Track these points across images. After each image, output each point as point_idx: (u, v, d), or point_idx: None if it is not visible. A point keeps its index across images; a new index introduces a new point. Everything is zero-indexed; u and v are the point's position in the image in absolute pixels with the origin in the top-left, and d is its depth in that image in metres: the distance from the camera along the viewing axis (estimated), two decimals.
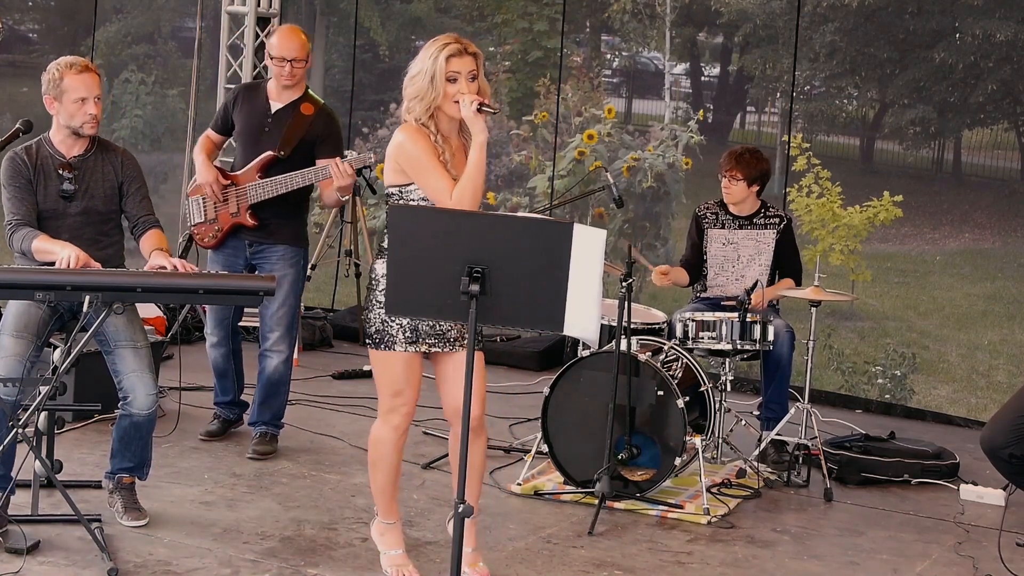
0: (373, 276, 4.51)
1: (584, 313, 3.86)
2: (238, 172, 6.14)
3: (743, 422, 6.46)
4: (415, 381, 4.52)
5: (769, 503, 5.91)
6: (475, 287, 3.83)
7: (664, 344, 6.13)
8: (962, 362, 7.81)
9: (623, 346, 5.60)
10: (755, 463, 6.17)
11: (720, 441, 6.27)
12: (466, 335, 4.38)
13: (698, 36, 9.34)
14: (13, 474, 4.86)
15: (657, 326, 6.31)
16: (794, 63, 8.29)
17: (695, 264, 6.71)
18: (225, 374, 6.38)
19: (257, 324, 6.34)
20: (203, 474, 5.78)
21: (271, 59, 6.09)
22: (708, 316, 6.18)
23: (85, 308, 4.48)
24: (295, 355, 6.33)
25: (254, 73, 9.04)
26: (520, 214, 5.03)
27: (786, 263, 6.67)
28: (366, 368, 7.53)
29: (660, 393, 5.70)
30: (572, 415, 5.79)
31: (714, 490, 5.83)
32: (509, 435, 6.67)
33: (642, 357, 5.75)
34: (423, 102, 4.39)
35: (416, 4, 9.85)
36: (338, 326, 9.05)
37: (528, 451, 6.07)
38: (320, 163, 5.99)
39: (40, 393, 4.56)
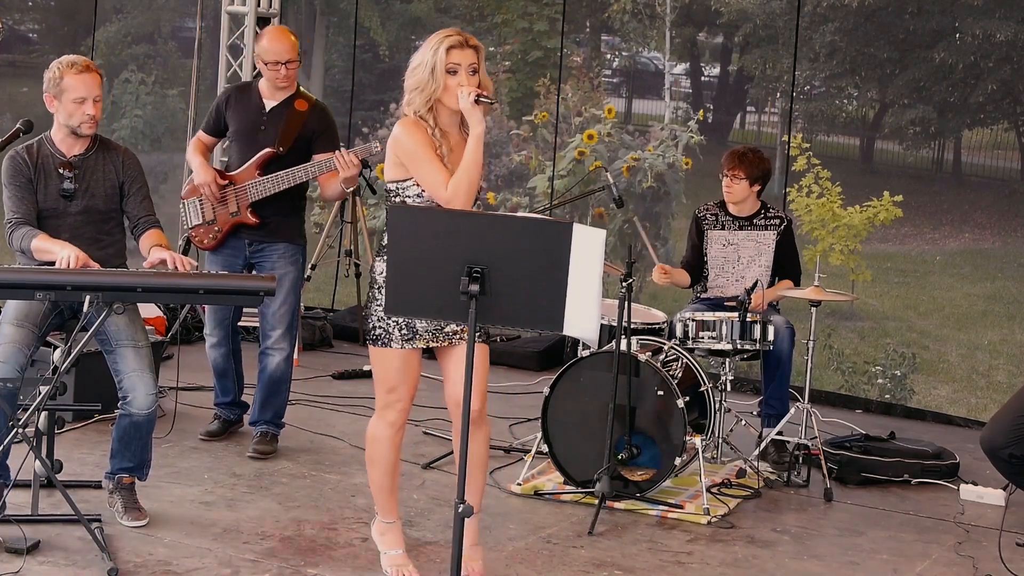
0: (373, 274, 4.52)
1: (584, 313, 3.86)
2: (236, 171, 6.14)
3: (743, 422, 6.46)
4: (411, 378, 4.52)
5: (769, 503, 5.91)
6: (475, 287, 3.84)
7: (664, 344, 6.13)
8: (962, 362, 7.81)
9: (623, 346, 5.60)
10: (755, 463, 6.17)
11: (720, 441, 6.27)
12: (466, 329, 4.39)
13: (698, 36, 9.33)
14: (12, 475, 4.87)
15: (657, 326, 6.30)
16: (794, 63, 8.28)
17: (696, 265, 6.71)
18: (225, 374, 6.38)
19: (257, 324, 6.34)
20: (203, 474, 5.78)
21: (264, 64, 6.05)
22: (708, 316, 6.18)
23: (85, 308, 4.49)
24: (295, 355, 6.33)
25: (254, 73, 9.02)
26: (520, 214, 5.03)
27: (786, 265, 6.66)
28: (366, 368, 7.54)
29: (660, 393, 5.70)
30: (572, 415, 5.79)
31: (714, 490, 5.83)
32: (509, 435, 6.66)
33: (642, 357, 5.74)
34: (423, 93, 4.39)
35: (416, 4, 9.85)
36: (338, 326, 9.05)
37: (528, 451, 6.07)
38: (321, 157, 5.99)
39: (40, 393, 4.56)
